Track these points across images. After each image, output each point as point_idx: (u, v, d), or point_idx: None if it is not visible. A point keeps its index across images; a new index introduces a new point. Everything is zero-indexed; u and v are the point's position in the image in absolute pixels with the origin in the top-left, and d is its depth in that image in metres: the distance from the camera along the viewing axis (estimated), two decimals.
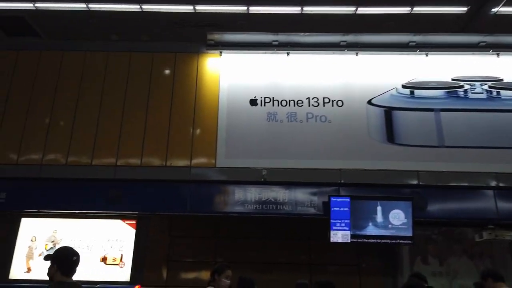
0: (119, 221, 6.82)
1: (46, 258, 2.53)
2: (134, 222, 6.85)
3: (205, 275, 6.16)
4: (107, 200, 6.14)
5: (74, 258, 2.54)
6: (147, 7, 6.36)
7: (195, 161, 6.34)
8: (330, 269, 6.70)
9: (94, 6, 6.35)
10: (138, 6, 6.33)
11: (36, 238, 6.71)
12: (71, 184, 6.29)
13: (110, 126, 6.59)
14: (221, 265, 3.55)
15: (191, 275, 6.77)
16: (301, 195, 6.15)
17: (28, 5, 6.38)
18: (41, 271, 6.31)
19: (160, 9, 6.39)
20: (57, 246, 6.43)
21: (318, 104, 6.64)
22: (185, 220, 6.81)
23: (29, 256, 6.64)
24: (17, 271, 6.50)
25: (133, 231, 6.78)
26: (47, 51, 7.15)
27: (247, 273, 3.96)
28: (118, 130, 6.55)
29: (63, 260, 2.50)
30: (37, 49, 7.18)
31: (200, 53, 7.01)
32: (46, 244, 6.67)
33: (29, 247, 6.68)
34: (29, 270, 6.53)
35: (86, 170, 6.31)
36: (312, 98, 6.68)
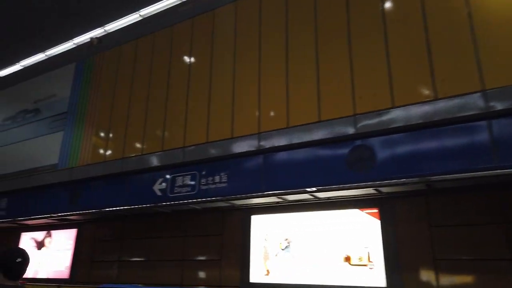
0: (356, 210, 5.40)
1: None
2: (376, 210, 5.28)
3: None
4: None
5: (18, 260, 2.41)
6: None
7: None
8: None
9: None
10: None
11: (269, 236, 5.93)
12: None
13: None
14: None
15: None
16: None
17: None
18: (280, 273, 5.61)
19: None
20: (291, 245, 5.70)
21: None
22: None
23: (266, 257, 5.88)
24: (256, 274, 5.86)
25: (376, 222, 5.24)
26: None
27: None
28: None
29: (6, 262, 2.39)
30: None
31: None
32: (280, 243, 5.82)
33: (264, 247, 5.94)
34: (267, 272, 5.78)
35: None
36: None
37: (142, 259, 7.15)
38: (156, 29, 7.00)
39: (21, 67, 9.27)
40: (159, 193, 5.99)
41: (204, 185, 5.59)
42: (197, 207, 6.57)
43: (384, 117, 4.40)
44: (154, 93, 6.59)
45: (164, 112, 6.30)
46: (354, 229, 5.36)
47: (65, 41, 11.59)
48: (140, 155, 6.33)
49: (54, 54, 9.11)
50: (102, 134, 6.98)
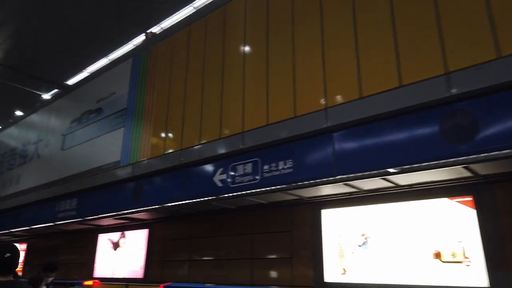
0: (444, 199, 4.62)
1: None
2: (469, 198, 4.47)
3: None
4: None
5: (7, 255, 2.41)
6: None
7: None
8: None
9: None
10: None
11: (343, 232, 5.35)
12: None
13: None
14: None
15: None
16: None
17: None
18: (358, 272, 5.04)
19: None
20: (369, 241, 5.07)
21: None
22: None
23: (341, 255, 5.29)
24: (331, 273, 5.30)
25: (471, 212, 4.41)
26: None
27: None
28: None
29: None
30: None
31: None
32: (357, 239, 5.24)
33: (338, 243, 5.35)
34: (344, 271, 5.21)
35: None
36: None
37: (211, 258, 6.89)
38: (208, 11, 6.59)
39: (87, 74, 9.43)
40: (220, 184, 5.53)
41: (267, 172, 5.01)
42: (262, 201, 6.12)
43: (486, 72, 3.49)
44: (209, 78, 6.17)
45: (220, 97, 5.84)
46: (443, 221, 4.58)
47: (125, 43, 11.82)
48: (198, 145, 5.93)
49: (115, 58, 9.12)
50: (159, 127, 6.72)
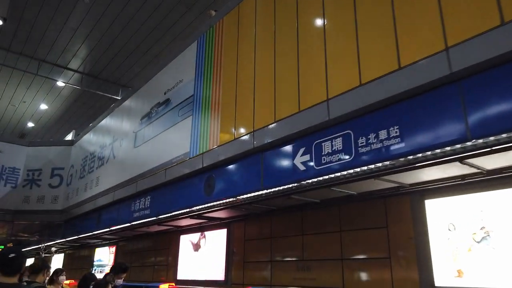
0: None
1: None
2: None
3: None
4: None
5: (11, 255, 2.44)
6: None
7: None
8: None
9: None
10: None
11: (456, 226, 4.34)
12: None
13: None
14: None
15: None
16: None
17: None
18: (478, 274, 4.02)
19: None
20: (491, 235, 4.00)
21: None
22: None
23: (454, 254, 4.38)
24: (443, 276, 4.34)
25: None
26: None
27: None
28: None
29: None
30: None
31: None
32: (475, 234, 4.16)
33: (449, 239, 4.35)
34: (459, 274, 4.23)
35: None
36: None
37: (295, 259, 6.16)
38: None
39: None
40: (301, 168, 4.49)
41: (363, 146, 3.86)
42: (352, 192, 5.14)
43: None
44: (281, 48, 5.18)
45: (296, 64, 4.81)
46: None
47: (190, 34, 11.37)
48: (272, 123, 4.96)
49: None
50: (228, 109, 5.90)
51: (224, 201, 5.83)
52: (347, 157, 3.98)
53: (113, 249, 12.53)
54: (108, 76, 13.72)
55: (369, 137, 3.82)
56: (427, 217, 4.59)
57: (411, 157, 3.47)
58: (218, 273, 7.52)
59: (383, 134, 3.71)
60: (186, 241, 8.83)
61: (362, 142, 3.88)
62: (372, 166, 3.77)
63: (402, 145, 3.53)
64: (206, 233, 8.24)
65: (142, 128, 8.53)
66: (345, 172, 4.04)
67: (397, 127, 3.60)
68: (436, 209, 4.55)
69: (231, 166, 5.76)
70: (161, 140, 7.55)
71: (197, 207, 6.42)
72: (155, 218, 7.60)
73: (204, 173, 6.27)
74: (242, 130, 5.48)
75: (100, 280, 5.33)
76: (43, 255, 14.76)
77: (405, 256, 4.76)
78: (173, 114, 7.32)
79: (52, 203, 12.74)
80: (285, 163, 4.77)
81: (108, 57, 12.95)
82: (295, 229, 6.25)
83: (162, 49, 12.18)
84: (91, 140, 11.99)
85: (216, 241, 7.85)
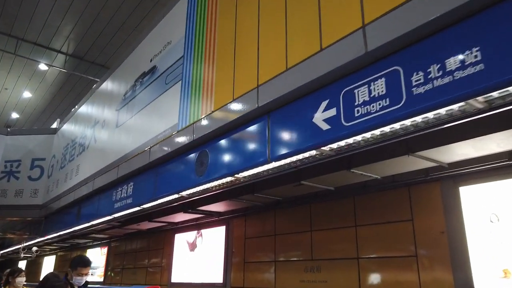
0: None
1: None
2: None
3: None
4: None
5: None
6: None
7: None
8: None
9: None
10: None
11: (500, 217, 3.74)
12: None
13: None
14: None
15: None
16: None
17: None
18: None
19: None
20: None
21: None
22: None
23: (498, 251, 3.81)
24: (484, 277, 3.80)
25: None
26: None
27: None
28: None
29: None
30: None
31: None
32: None
33: (491, 233, 3.81)
34: (506, 274, 3.73)
35: None
36: None
37: (303, 258, 5.60)
38: None
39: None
40: (325, 127, 3.26)
41: (419, 85, 2.64)
42: (376, 176, 4.44)
43: None
44: None
45: None
46: None
47: None
48: (284, 72, 3.74)
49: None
50: (226, 63, 4.67)
51: (219, 181, 4.62)
52: (394, 101, 2.77)
53: (105, 250, 12.00)
54: (94, 57, 12.54)
55: (429, 69, 2.61)
56: (462, 207, 3.99)
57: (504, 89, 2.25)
58: (216, 275, 7.01)
59: (452, 62, 2.50)
60: (181, 240, 8.30)
61: (418, 80, 2.66)
62: (442, 111, 2.55)
63: (485, 73, 2.31)
64: (203, 231, 7.74)
65: (125, 104, 7.31)
66: (395, 125, 2.83)
67: (478, 48, 2.39)
68: (474, 198, 3.94)
69: (228, 136, 4.54)
70: (146, 115, 6.35)
71: (187, 192, 5.24)
72: (138, 208, 6.40)
73: (195, 148, 5.07)
74: (244, 86, 4.25)
75: (58, 280, 4.12)
76: (22, 255, 13.48)
77: (436, 254, 4.13)
78: (160, 82, 6.11)
79: (31, 197, 11.56)
80: (301, 124, 3.55)
81: (93, 35, 11.77)
82: (303, 224, 5.68)
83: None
84: (73, 126, 10.78)
85: (214, 239, 7.33)
